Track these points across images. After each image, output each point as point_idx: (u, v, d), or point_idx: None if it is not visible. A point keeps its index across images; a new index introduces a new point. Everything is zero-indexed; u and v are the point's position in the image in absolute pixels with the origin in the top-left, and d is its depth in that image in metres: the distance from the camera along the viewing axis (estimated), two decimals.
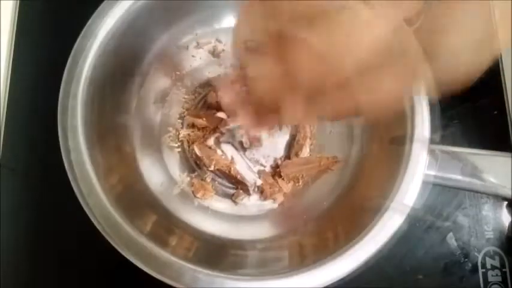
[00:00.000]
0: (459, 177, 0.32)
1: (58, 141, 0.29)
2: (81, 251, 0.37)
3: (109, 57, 0.32)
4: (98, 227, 0.28)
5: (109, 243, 0.27)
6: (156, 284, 0.27)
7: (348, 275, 0.28)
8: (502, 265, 0.38)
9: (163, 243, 0.28)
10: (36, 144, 0.40)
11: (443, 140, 0.32)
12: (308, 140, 0.39)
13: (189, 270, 0.27)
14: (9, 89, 0.41)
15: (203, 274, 0.27)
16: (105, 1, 0.32)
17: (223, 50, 0.41)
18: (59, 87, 0.30)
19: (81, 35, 0.31)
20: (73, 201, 0.28)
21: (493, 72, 0.44)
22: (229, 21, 0.40)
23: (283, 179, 0.38)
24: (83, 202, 0.28)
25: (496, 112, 0.43)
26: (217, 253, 0.32)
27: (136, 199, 0.33)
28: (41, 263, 0.37)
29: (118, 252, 0.27)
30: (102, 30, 0.32)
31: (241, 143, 0.38)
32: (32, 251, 0.38)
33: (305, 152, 0.39)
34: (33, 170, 0.40)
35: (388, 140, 0.34)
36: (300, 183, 0.38)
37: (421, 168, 0.30)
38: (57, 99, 0.30)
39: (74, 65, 0.31)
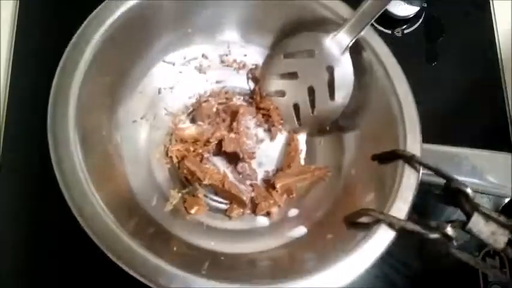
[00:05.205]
0: (459, 177, 0.32)
1: None
2: (82, 251, 0.37)
3: (97, 70, 0.32)
4: (95, 240, 0.28)
5: None
6: None
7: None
8: (502, 265, 0.38)
9: (158, 254, 0.27)
10: (36, 144, 0.40)
11: (444, 140, 0.33)
12: (299, 151, 0.39)
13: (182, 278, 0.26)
14: (9, 89, 0.41)
15: (197, 284, 0.26)
16: (95, 11, 0.32)
17: (209, 66, 0.41)
18: None
19: (68, 49, 0.31)
20: None
21: (493, 72, 0.44)
22: (214, 37, 0.41)
23: (277, 191, 0.37)
24: (76, 212, 0.28)
25: (496, 112, 0.43)
26: (213, 266, 0.31)
27: (130, 213, 0.32)
28: (41, 263, 0.37)
29: None
30: (89, 47, 0.31)
31: (233, 155, 0.37)
32: (32, 251, 0.38)
33: (297, 164, 0.39)
34: (33, 170, 0.40)
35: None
36: (294, 195, 0.38)
37: (417, 172, 0.30)
38: None
39: (63, 74, 0.30)
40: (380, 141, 0.34)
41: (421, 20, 0.45)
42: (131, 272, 0.27)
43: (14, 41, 0.43)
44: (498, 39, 0.45)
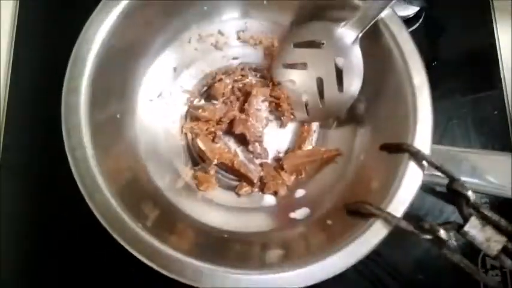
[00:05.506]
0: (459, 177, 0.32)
1: (58, 141, 0.29)
2: (82, 250, 0.37)
3: (111, 53, 0.32)
4: (104, 224, 0.28)
5: (109, 241, 0.27)
6: (160, 278, 0.27)
7: (349, 268, 0.28)
8: (502, 265, 0.38)
9: (166, 238, 0.28)
10: (36, 144, 0.40)
11: (443, 140, 0.33)
12: (312, 132, 0.39)
13: (191, 265, 0.27)
14: (9, 89, 0.41)
15: (206, 269, 0.27)
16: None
17: (225, 43, 0.41)
18: (59, 87, 0.30)
19: (82, 32, 0.31)
20: (73, 200, 0.28)
21: (493, 72, 0.44)
22: (231, 13, 0.40)
23: (285, 171, 0.37)
24: (88, 199, 0.28)
25: (496, 112, 0.43)
26: (220, 246, 0.32)
27: (141, 193, 0.33)
28: (41, 263, 0.37)
29: (119, 249, 0.27)
30: (104, 26, 0.31)
31: (242, 136, 0.38)
32: (32, 251, 0.38)
33: (308, 145, 0.39)
34: (33, 170, 0.40)
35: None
36: (303, 176, 0.38)
37: (421, 169, 0.30)
38: (57, 99, 0.30)
39: (76, 63, 0.30)
40: (391, 131, 0.33)
41: (421, 20, 0.45)
42: (142, 259, 0.27)
43: (14, 41, 0.43)
44: (498, 39, 0.45)
